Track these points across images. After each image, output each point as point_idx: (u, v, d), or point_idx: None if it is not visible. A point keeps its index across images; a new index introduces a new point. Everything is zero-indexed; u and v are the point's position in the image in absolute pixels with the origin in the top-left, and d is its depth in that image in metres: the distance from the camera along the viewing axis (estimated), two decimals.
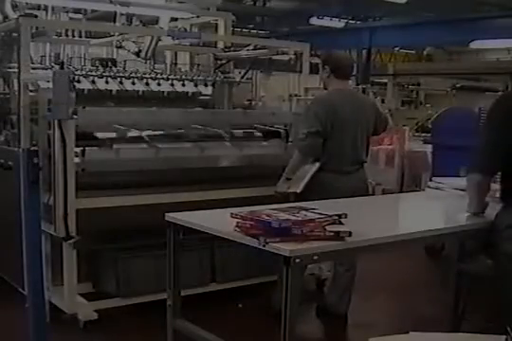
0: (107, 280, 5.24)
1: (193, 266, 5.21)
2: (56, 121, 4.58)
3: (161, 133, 5.30)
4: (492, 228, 3.34)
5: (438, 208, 3.65)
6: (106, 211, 4.84)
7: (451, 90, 17.97)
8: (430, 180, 4.75)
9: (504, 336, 1.66)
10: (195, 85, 6.25)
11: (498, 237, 3.26)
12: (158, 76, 6.04)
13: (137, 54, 6.51)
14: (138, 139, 5.32)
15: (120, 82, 5.73)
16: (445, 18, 15.54)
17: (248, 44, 7.80)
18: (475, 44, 15.26)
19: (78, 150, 4.73)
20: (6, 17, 6.79)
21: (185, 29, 7.60)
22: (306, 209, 3.18)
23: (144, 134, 5.16)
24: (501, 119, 3.31)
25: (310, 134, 4.73)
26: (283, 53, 6.96)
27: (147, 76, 5.94)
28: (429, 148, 8.42)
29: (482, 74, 13.82)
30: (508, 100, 3.42)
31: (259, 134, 5.82)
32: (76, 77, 5.29)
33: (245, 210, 3.19)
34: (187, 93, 6.23)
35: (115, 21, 7.12)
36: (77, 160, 4.69)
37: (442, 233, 3.47)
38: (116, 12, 7.03)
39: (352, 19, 18.13)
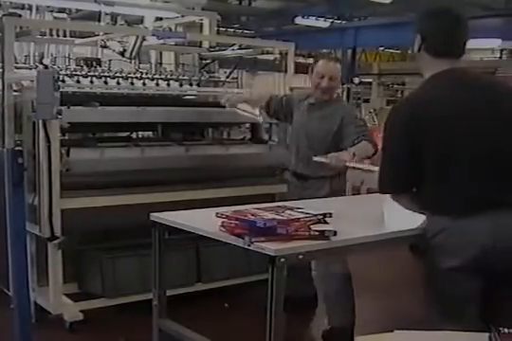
0: (93, 281, 5.23)
1: (179, 266, 5.21)
2: (40, 121, 4.58)
3: (146, 132, 5.30)
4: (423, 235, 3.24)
5: None
6: (91, 211, 4.84)
7: None
8: None
9: (488, 334, 1.67)
10: (180, 85, 6.24)
11: (426, 245, 3.22)
12: (143, 75, 6.02)
13: (122, 54, 6.49)
14: (123, 139, 5.32)
15: (105, 82, 5.71)
16: None
17: (233, 44, 7.82)
18: None
19: (63, 150, 4.72)
20: None
21: (170, 29, 7.60)
22: (291, 209, 3.19)
23: (129, 133, 5.16)
24: (402, 129, 3.07)
25: None
26: (268, 53, 6.97)
27: (132, 75, 5.93)
28: None
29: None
30: (407, 107, 3.16)
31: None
32: (60, 76, 5.27)
33: (230, 210, 3.20)
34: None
35: (99, 20, 7.12)
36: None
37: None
38: (100, 12, 7.02)
39: (337, 19, 18.11)
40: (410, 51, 20.81)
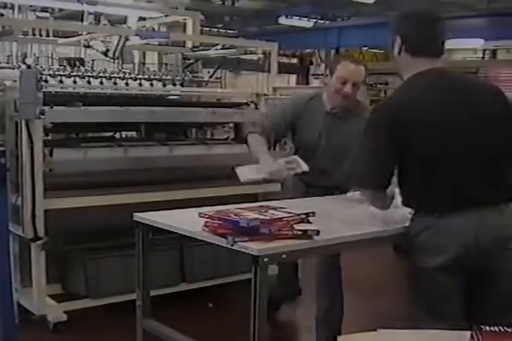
0: (76, 281, 5.22)
1: (163, 266, 5.19)
2: (23, 121, 4.56)
3: (130, 132, 5.30)
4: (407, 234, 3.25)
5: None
6: (75, 212, 4.82)
7: None
8: None
9: (469, 332, 1.67)
10: (164, 85, 6.24)
11: (409, 243, 3.23)
12: (127, 75, 6.02)
13: (105, 53, 6.48)
14: (107, 139, 5.31)
15: (88, 82, 5.70)
16: None
17: (217, 44, 7.82)
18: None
19: (46, 150, 4.71)
20: None
21: (153, 29, 7.59)
22: (274, 208, 3.19)
23: (113, 133, 5.15)
24: (385, 129, 3.06)
25: None
26: (252, 53, 6.98)
27: (115, 75, 5.92)
28: None
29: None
30: (390, 107, 3.16)
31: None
32: (43, 76, 5.25)
33: (213, 210, 3.20)
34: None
35: (82, 20, 7.09)
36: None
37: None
38: (83, 11, 7.00)
39: (320, 19, 18.16)
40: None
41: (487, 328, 1.67)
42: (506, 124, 3.18)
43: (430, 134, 3.03)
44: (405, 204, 3.24)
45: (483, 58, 19.42)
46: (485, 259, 3.07)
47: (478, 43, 15.75)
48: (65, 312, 4.88)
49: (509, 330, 1.67)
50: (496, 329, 1.67)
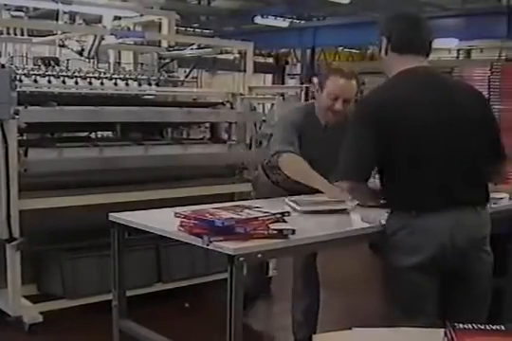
0: (52, 282, 5.20)
1: (139, 266, 5.18)
2: None
3: (105, 132, 5.28)
4: (383, 232, 3.26)
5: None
6: (50, 212, 4.80)
7: None
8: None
9: (443, 329, 1.69)
10: (139, 85, 6.23)
11: (385, 242, 3.24)
12: (102, 75, 6.00)
13: (81, 53, 6.46)
14: (82, 139, 5.29)
15: (63, 82, 5.68)
16: None
17: (192, 44, 7.82)
18: None
19: (20, 150, 4.69)
20: None
21: (128, 28, 7.57)
22: (250, 208, 3.19)
23: (88, 133, 5.14)
24: (370, 122, 3.07)
25: None
26: (227, 52, 6.98)
27: (90, 75, 5.90)
28: None
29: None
30: (377, 100, 3.15)
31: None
32: (18, 76, 5.22)
33: (188, 209, 3.20)
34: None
35: (57, 19, 7.06)
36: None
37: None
38: (58, 10, 6.97)
39: (296, 18, 18.19)
40: (369, 51, 21.02)
41: (461, 325, 1.68)
42: (485, 127, 3.22)
43: (414, 133, 3.05)
44: (384, 201, 3.26)
45: (457, 57, 19.56)
46: (461, 259, 3.10)
47: (453, 42, 15.85)
48: (41, 312, 4.86)
49: (482, 326, 1.68)
50: (469, 326, 1.68)
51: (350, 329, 1.91)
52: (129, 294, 3.77)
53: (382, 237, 3.26)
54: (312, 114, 4.34)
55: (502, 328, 1.67)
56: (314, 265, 4.51)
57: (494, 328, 1.68)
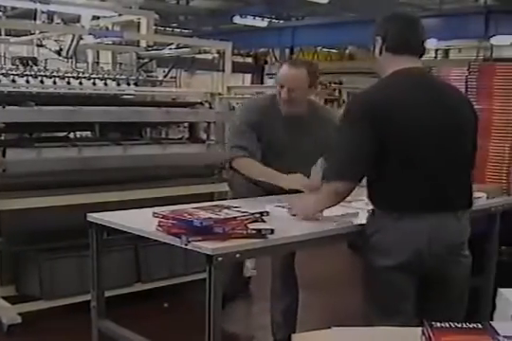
0: (30, 283, 5.17)
1: (118, 266, 5.17)
2: None
3: (84, 132, 5.27)
4: (361, 232, 3.29)
5: (360, 204, 3.70)
6: (29, 212, 4.78)
7: None
8: None
9: (421, 328, 1.70)
10: (118, 84, 6.22)
11: (364, 242, 3.25)
12: (80, 75, 5.99)
13: (59, 53, 6.44)
14: (61, 139, 5.27)
15: (41, 82, 5.66)
16: (366, 18, 15.74)
17: (171, 43, 7.81)
18: None
19: None
20: None
21: (107, 28, 7.56)
22: (228, 208, 3.20)
23: (67, 133, 5.12)
24: (364, 120, 3.03)
25: None
26: (206, 52, 6.98)
27: (69, 75, 5.89)
28: None
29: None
30: (371, 99, 3.12)
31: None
32: None
33: (167, 209, 3.20)
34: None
35: (35, 19, 7.04)
36: None
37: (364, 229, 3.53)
38: (36, 10, 6.95)
39: (275, 18, 18.22)
40: (347, 51, 21.08)
41: (438, 324, 1.70)
42: (471, 133, 3.25)
43: (406, 135, 3.04)
44: (369, 200, 3.25)
45: (435, 57, 19.64)
46: (437, 263, 3.13)
47: (431, 42, 15.92)
48: (20, 314, 4.83)
49: (459, 325, 1.70)
50: (446, 325, 1.69)
51: (329, 328, 1.92)
52: (108, 294, 3.76)
53: (361, 237, 3.27)
54: (273, 105, 4.29)
55: (479, 326, 1.68)
56: (292, 266, 4.51)
57: (471, 326, 1.69)
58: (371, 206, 3.26)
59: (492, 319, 1.88)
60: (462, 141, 3.19)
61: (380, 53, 3.21)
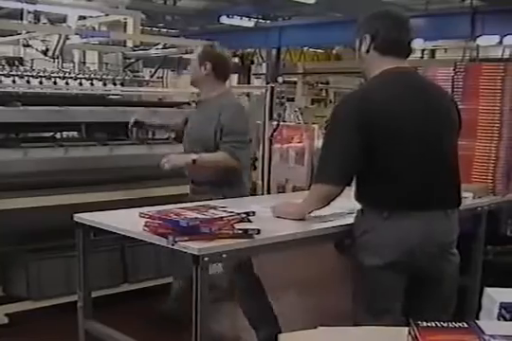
0: (17, 283, 5.16)
1: (105, 267, 5.17)
2: None
3: (71, 132, 5.25)
4: (349, 232, 3.31)
5: (346, 204, 3.72)
6: (15, 213, 4.76)
7: None
8: None
9: (407, 328, 1.71)
10: (104, 84, 6.20)
11: (353, 242, 3.27)
12: (67, 75, 5.96)
13: (45, 53, 6.42)
14: (47, 139, 5.26)
15: (28, 82, 5.64)
16: (353, 18, 15.74)
17: (158, 43, 7.80)
18: None
19: None
20: None
21: (93, 28, 7.54)
22: (215, 208, 3.20)
23: (53, 134, 5.10)
24: (352, 122, 3.05)
25: None
26: (193, 52, 6.96)
27: (55, 75, 5.86)
28: None
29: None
30: (359, 101, 3.12)
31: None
32: None
33: (153, 210, 3.20)
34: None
35: (22, 19, 7.02)
36: None
37: (350, 229, 3.53)
38: (23, 10, 6.92)
39: (262, 18, 18.20)
40: (334, 51, 21.10)
41: (424, 323, 1.70)
42: (456, 132, 3.32)
43: (395, 137, 3.07)
44: (357, 200, 3.27)
45: (422, 57, 19.68)
46: (429, 262, 3.16)
47: (417, 42, 15.96)
48: (7, 314, 4.83)
49: (445, 324, 1.70)
50: (433, 324, 1.70)
51: (316, 328, 1.92)
52: (95, 294, 3.76)
53: (348, 237, 3.29)
54: None
55: (465, 325, 1.69)
56: (250, 264, 4.53)
57: (457, 325, 1.69)
58: (358, 206, 3.28)
59: (478, 318, 1.88)
60: (448, 140, 3.23)
61: (367, 51, 3.22)
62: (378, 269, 3.12)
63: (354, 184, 3.24)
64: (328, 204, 3.25)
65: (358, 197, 3.26)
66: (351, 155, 3.08)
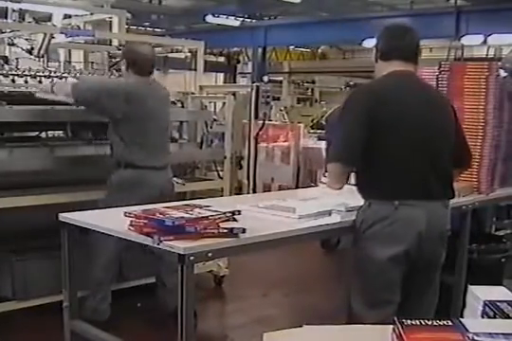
0: (3, 283, 5.13)
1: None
2: None
3: (57, 132, 5.24)
4: (354, 225, 3.43)
5: (332, 203, 3.73)
6: (0, 212, 4.75)
7: (345, 88, 18.27)
8: (324, 176, 4.81)
9: (392, 326, 1.72)
10: None
11: (359, 234, 3.39)
12: (52, 74, 5.94)
13: (30, 52, 6.39)
14: (33, 139, 5.24)
15: (13, 81, 5.62)
16: (338, 17, 15.82)
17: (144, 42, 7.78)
18: (368, 43, 15.58)
19: None
20: None
21: (78, 27, 7.52)
22: (200, 207, 3.20)
23: (38, 133, 5.08)
24: (361, 112, 3.34)
25: None
26: (179, 51, 6.97)
27: (40, 74, 5.84)
28: (323, 144, 8.54)
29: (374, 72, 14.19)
30: (370, 93, 3.47)
31: None
32: None
33: (139, 209, 3.19)
34: None
35: (6, 17, 6.99)
36: None
37: (336, 227, 3.56)
38: (7, 8, 6.90)
39: (248, 17, 18.22)
40: (319, 50, 21.13)
41: (408, 321, 1.71)
42: (452, 128, 3.57)
43: (401, 122, 3.35)
44: (365, 194, 3.44)
45: None
46: (430, 248, 3.37)
47: None
48: None
49: (429, 322, 1.71)
50: (417, 322, 1.71)
51: (301, 326, 1.93)
52: (81, 294, 3.75)
53: (354, 230, 3.42)
54: None
55: (449, 323, 1.70)
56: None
57: (441, 323, 1.71)
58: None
59: (462, 316, 1.90)
60: (446, 141, 3.48)
61: (376, 61, 3.61)
62: (387, 260, 3.28)
63: (356, 181, 3.50)
64: (342, 181, 3.40)
65: (367, 191, 3.44)
66: (357, 138, 3.31)
